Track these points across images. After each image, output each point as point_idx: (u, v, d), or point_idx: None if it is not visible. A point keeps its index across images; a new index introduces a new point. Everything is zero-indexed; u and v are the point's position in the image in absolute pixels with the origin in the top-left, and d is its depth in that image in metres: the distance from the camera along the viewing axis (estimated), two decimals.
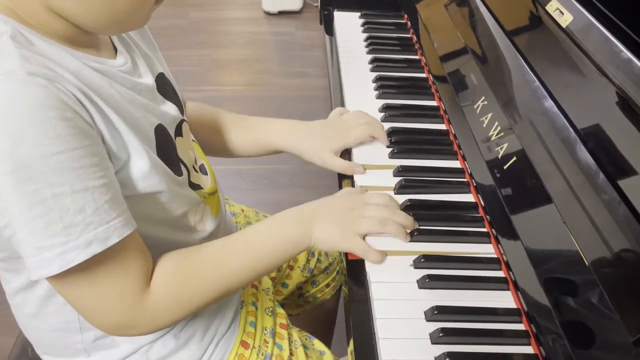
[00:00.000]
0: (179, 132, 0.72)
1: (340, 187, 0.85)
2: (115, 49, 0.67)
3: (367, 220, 0.72)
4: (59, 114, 0.52)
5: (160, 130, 0.66)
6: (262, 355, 0.78)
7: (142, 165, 0.61)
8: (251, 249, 0.69)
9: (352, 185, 0.84)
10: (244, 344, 0.78)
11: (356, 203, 0.74)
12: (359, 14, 1.27)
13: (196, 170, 0.75)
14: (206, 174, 0.78)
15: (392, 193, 0.80)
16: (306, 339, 0.87)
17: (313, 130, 0.90)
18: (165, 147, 0.66)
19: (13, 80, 0.50)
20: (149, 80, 0.69)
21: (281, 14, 3.08)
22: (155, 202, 0.65)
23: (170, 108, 0.71)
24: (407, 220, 0.74)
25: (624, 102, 0.63)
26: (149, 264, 0.62)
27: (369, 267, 0.70)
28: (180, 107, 0.75)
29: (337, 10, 1.29)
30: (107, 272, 0.58)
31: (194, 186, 0.72)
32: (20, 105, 0.50)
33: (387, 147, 0.90)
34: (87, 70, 0.58)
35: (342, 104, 1.01)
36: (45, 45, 0.56)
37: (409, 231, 0.74)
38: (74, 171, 0.52)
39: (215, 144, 0.91)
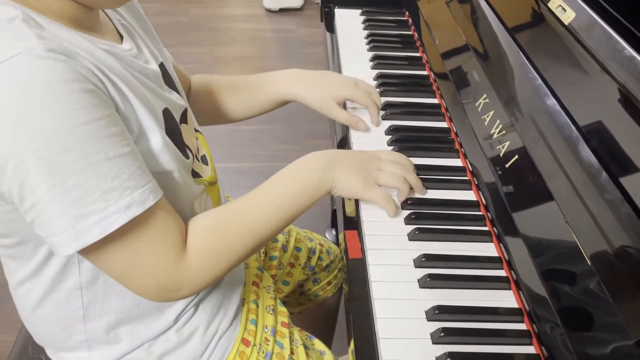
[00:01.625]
0: (184, 119, 0.73)
1: None
2: (121, 36, 0.68)
3: (386, 173, 0.75)
4: (81, 86, 0.53)
5: (167, 114, 0.67)
6: (263, 353, 0.78)
7: (155, 142, 0.62)
8: (276, 197, 0.70)
9: None
10: (244, 342, 0.78)
11: (372, 157, 0.77)
12: (359, 11, 1.27)
13: (198, 160, 0.75)
14: (207, 164, 0.78)
15: None
16: (307, 339, 0.86)
17: (317, 78, 0.93)
18: (172, 130, 0.67)
19: (33, 57, 0.51)
20: (154, 66, 0.70)
21: (282, 11, 3.07)
22: (165, 185, 0.65)
23: (175, 97, 0.72)
24: (417, 181, 0.78)
25: (627, 100, 0.62)
26: (182, 226, 0.63)
27: (370, 266, 0.70)
28: (183, 97, 0.76)
29: (338, 8, 1.28)
30: (146, 235, 0.59)
31: (195, 174, 0.72)
32: (43, 80, 0.51)
33: (389, 145, 0.89)
34: (99, 51, 0.59)
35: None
36: (55, 28, 0.57)
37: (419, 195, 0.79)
38: (104, 139, 0.54)
39: (221, 108, 0.94)
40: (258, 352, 0.78)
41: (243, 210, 0.68)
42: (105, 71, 0.57)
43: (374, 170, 0.75)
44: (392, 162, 0.77)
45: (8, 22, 0.54)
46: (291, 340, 0.82)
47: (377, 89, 1.02)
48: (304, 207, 0.71)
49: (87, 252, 0.57)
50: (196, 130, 0.78)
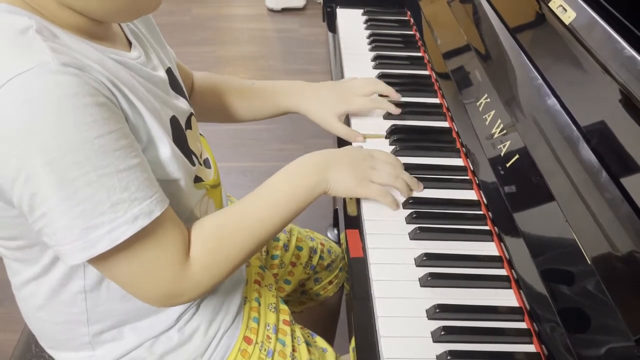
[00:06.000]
0: (188, 124, 0.74)
1: None
2: (130, 43, 0.68)
3: (379, 172, 0.77)
4: (94, 100, 0.53)
5: (174, 122, 0.68)
6: (265, 351, 0.79)
7: (164, 151, 0.63)
8: (273, 201, 0.70)
9: None
10: (247, 340, 0.78)
11: (365, 154, 0.78)
12: (361, 10, 1.27)
13: (200, 164, 0.76)
14: (209, 168, 0.79)
15: None
16: (309, 336, 0.87)
17: (319, 92, 0.94)
18: (179, 138, 0.68)
19: (47, 71, 0.51)
20: (162, 73, 0.70)
21: (284, 10, 3.07)
22: (169, 192, 0.65)
23: (181, 102, 0.73)
24: (411, 179, 0.79)
25: (627, 100, 0.63)
26: (186, 233, 0.64)
27: (371, 265, 0.70)
28: (188, 102, 0.76)
29: (340, 7, 1.28)
30: (151, 245, 0.59)
31: (197, 179, 0.73)
32: (57, 94, 0.51)
33: (390, 144, 0.90)
34: (109, 61, 0.60)
35: None
36: (68, 38, 0.57)
37: (413, 193, 0.79)
38: (115, 152, 0.54)
39: (225, 109, 0.95)
40: (260, 350, 0.78)
41: (242, 215, 0.69)
42: (116, 82, 0.58)
43: (367, 168, 0.76)
44: (385, 161, 0.78)
45: (22, 33, 0.54)
46: (293, 338, 0.82)
47: None
48: (301, 209, 0.72)
49: (94, 261, 0.58)
50: (199, 134, 0.79)
